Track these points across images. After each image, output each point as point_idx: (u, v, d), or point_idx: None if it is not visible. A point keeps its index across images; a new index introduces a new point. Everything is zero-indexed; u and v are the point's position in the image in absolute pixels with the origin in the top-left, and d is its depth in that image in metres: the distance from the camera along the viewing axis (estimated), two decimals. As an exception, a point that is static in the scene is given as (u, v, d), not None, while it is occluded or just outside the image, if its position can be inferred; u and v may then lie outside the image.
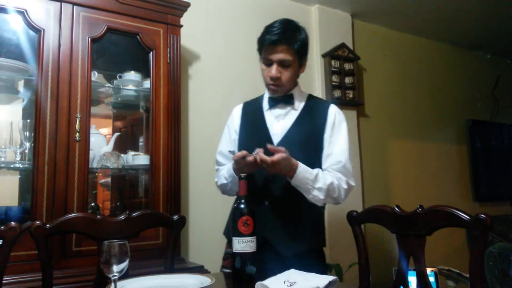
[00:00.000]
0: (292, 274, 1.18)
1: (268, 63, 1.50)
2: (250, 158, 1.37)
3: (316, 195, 1.44)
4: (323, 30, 3.12)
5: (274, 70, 1.48)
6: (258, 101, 1.67)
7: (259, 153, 1.36)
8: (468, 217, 1.11)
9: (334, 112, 1.58)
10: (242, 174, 1.30)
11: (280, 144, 1.51)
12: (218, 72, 2.65)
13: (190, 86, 2.53)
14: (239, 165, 1.41)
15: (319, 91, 3.06)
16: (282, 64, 1.48)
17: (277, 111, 1.58)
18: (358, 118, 3.25)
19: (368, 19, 3.46)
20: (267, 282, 1.10)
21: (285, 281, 1.10)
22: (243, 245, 1.23)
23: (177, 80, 2.05)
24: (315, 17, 3.13)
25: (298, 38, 1.49)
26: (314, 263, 1.46)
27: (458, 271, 2.65)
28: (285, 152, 1.37)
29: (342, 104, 3.10)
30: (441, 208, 1.18)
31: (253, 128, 1.60)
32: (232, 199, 1.64)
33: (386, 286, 2.92)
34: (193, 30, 2.48)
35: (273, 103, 1.58)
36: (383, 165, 3.42)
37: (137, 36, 1.97)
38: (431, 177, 3.67)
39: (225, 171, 1.57)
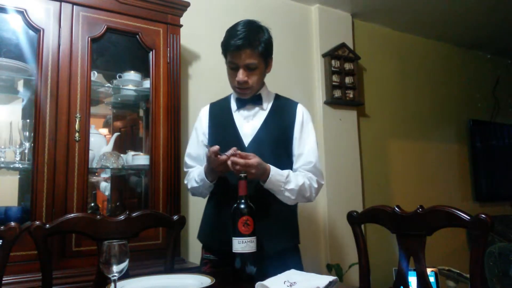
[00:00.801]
0: (292, 274, 1.18)
1: (233, 67, 1.51)
2: (222, 157, 1.37)
3: (288, 196, 1.48)
4: (323, 30, 3.12)
5: (241, 74, 1.49)
6: (225, 101, 1.67)
7: (231, 157, 1.36)
8: (469, 217, 1.11)
9: (301, 112, 1.61)
10: (242, 174, 1.30)
11: (250, 144, 1.52)
12: (218, 72, 2.63)
13: (190, 86, 2.53)
14: (213, 163, 1.40)
15: (319, 91, 3.06)
16: (248, 67, 1.49)
17: (246, 112, 1.59)
18: (358, 118, 3.25)
19: (368, 19, 3.46)
20: (267, 282, 1.10)
21: (285, 281, 1.10)
22: (243, 245, 1.22)
23: (177, 80, 2.05)
24: (315, 17, 3.12)
25: (261, 40, 1.50)
26: (290, 260, 1.47)
27: (458, 271, 2.65)
28: (255, 156, 1.39)
29: (342, 104, 3.10)
30: (441, 208, 1.18)
31: (222, 129, 1.60)
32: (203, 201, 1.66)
33: (386, 286, 2.91)
34: (193, 30, 2.48)
35: (241, 104, 1.59)
36: (383, 165, 3.42)
37: (137, 36, 1.97)
38: (431, 177, 3.67)
39: (196, 174, 1.57)
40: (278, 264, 1.30)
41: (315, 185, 1.54)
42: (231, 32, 1.51)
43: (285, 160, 1.55)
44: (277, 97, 1.66)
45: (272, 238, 1.47)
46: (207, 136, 1.63)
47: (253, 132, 1.55)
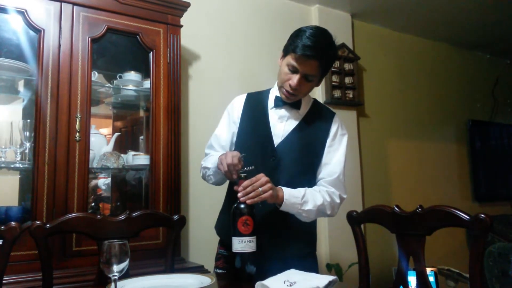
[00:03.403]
0: (292, 274, 1.18)
1: (292, 69, 1.44)
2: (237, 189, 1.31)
3: (306, 216, 1.43)
4: (323, 30, 3.12)
5: (296, 80, 1.43)
6: (263, 96, 1.62)
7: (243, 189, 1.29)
8: (468, 217, 1.11)
9: (337, 124, 1.57)
10: (242, 174, 1.30)
11: (280, 145, 1.49)
12: (218, 72, 2.66)
13: (190, 86, 2.53)
14: (223, 166, 1.35)
15: (319, 91, 3.06)
16: (306, 77, 1.44)
17: (282, 111, 1.55)
18: (358, 118, 3.25)
19: (368, 19, 3.46)
20: (267, 282, 1.10)
21: (285, 281, 1.10)
22: (243, 245, 1.23)
23: (177, 80, 2.05)
24: (315, 17, 3.12)
25: (329, 57, 1.47)
26: (305, 266, 1.40)
27: (458, 271, 2.65)
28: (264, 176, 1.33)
29: (342, 104, 3.11)
30: (441, 208, 1.18)
31: (254, 124, 1.56)
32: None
33: (385, 286, 2.92)
34: (193, 30, 2.49)
35: (279, 103, 1.55)
36: (383, 165, 3.42)
37: (137, 36, 1.97)
38: (430, 177, 3.68)
39: (214, 158, 1.51)
40: (287, 269, 1.27)
41: (338, 201, 1.48)
42: (303, 36, 1.40)
43: (310, 169, 1.51)
44: (315, 104, 1.62)
45: (288, 242, 1.45)
46: (237, 126, 1.58)
47: (284, 133, 1.51)
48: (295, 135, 1.51)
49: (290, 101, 1.52)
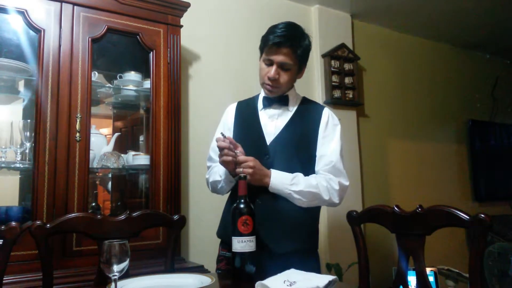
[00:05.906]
0: (292, 274, 1.18)
1: (268, 63, 1.50)
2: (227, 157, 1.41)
3: (299, 198, 1.45)
4: (323, 30, 3.13)
5: (273, 71, 1.48)
6: (252, 100, 1.67)
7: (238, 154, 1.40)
8: (468, 217, 1.12)
9: (327, 115, 1.59)
10: (242, 174, 1.31)
11: (272, 143, 1.52)
12: (218, 72, 2.66)
13: (190, 86, 2.54)
14: (224, 163, 1.43)
15: (318, 91, 3.06)
16: (282, 66, 1.49)
17: (271, 111, 1.59)
18: (357, 118, 3.25)
19: (367, 20, 3.47)
20: (267, 281, 1.10)
21: (285, 280, 1.10)
22: (243, 244, 1.23)
23: (177, 80, 2.05)
24: (315, 18, 3.13)
25: (301, 44, 1.50)
26: (306, 263, 1.43)
27: (457, 271, 2.65)
28: (255, 160, 1.42)
29: (342, 104, 3.11)
30: (441, 208, 1.18)
31: (247, 127, 1.60)
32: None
33: (385, 285, 2.92)
34: (193, 31, 2.49)
35: (268, 103, 1.59)
36: (382, 165, 3.42)
37: (137, 36, 1.97)
38: (430, 177, 3.68)
39: (220, 168, 1.55)
40: (294, 264, 1.28)
41: (336, 187, 1.49)
42: (273, 29, 1.49)
43: (307, 162, 1.53)
44: (304, 100, 1.66)
45: (288, 238, 1.45)
46: (232, 132, 1.63)
47: (276, 131, 1.54)
48: (287, 131, 1.54)
49: (273, 94, 1.56)
